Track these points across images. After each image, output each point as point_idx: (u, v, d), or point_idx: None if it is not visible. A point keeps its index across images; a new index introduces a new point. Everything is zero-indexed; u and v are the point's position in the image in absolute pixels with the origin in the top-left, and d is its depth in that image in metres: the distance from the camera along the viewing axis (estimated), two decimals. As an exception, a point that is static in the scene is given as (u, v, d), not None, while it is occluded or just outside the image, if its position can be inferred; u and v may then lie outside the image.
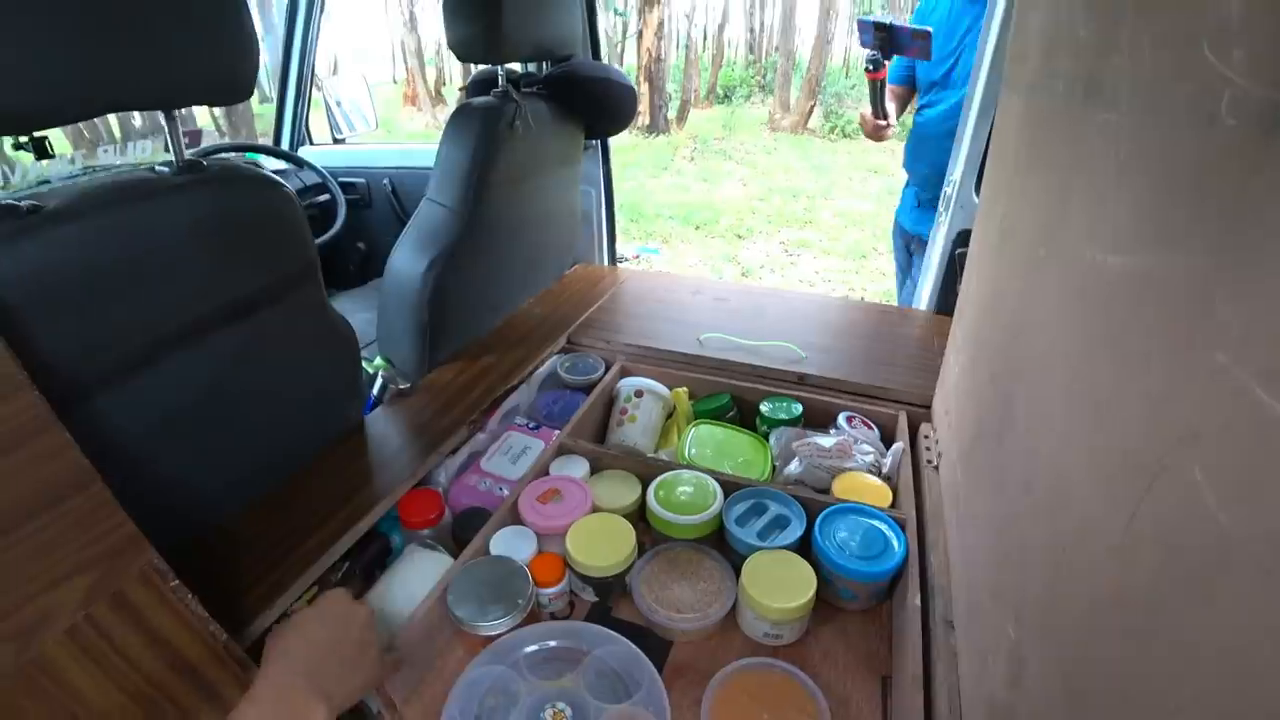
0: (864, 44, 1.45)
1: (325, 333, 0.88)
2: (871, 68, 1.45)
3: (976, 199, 1.45)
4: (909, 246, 1.85)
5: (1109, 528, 0.40)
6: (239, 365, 0.76)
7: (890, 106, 1.59)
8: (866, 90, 1.57)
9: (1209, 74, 0.35)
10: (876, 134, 1.61)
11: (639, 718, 0.63)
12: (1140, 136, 0.44)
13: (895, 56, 1.46)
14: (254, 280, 0.74)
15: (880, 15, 1.70)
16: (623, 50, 10.04)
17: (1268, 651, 0.25)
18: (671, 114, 8.68)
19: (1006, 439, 0.64)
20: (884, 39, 1.38)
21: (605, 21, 9.84)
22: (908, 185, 1.86)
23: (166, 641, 0.58)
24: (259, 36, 0.70)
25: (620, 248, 4.82)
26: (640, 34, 8.47)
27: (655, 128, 8.48)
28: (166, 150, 0.70)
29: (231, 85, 0.68)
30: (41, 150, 0.61)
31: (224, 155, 1.87)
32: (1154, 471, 0.36)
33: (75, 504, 0.51)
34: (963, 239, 1.49)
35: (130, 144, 2.25)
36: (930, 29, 1.35)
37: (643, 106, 8.52)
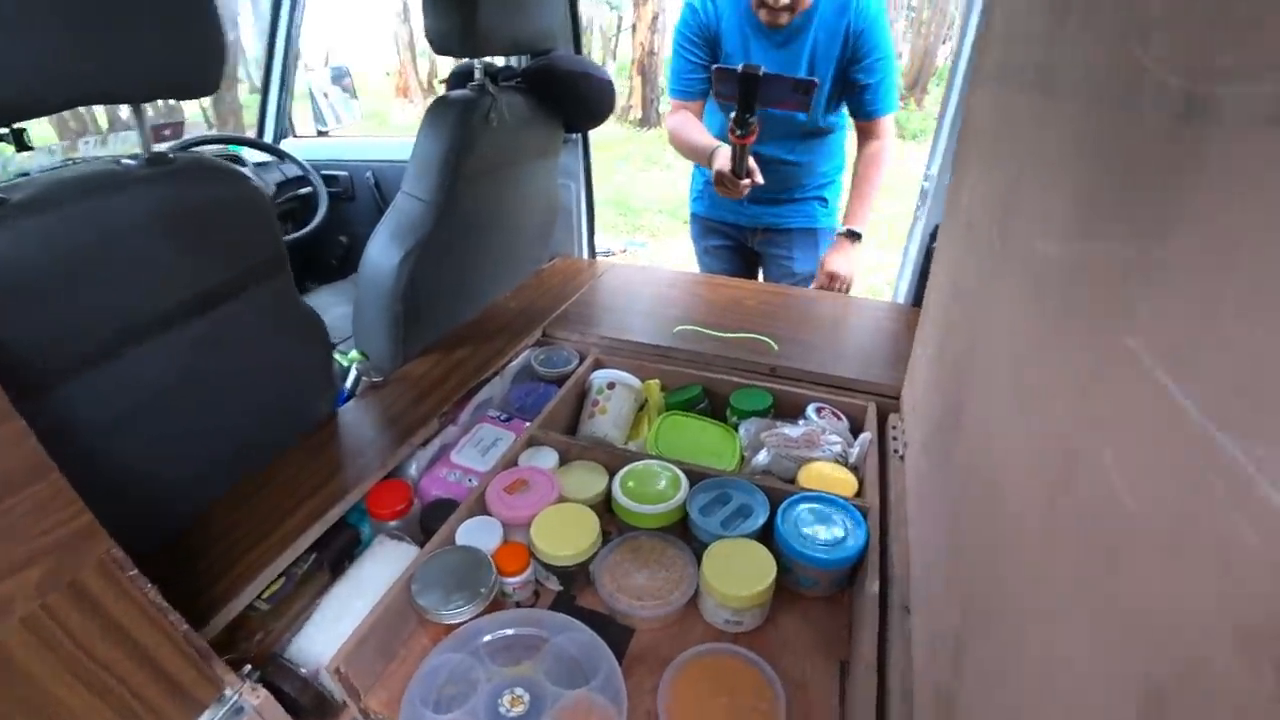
0: (720, 95, 1.16)
1: (294, 325, 0.88)
2: (740, 132, 1.15)
3: (954, 194, 1.46)
4: (748, 241, 1.74)
5: (1036, 514, 0.41)
6: (206, 357, 0.76)
7: (752, 162, 1.30)
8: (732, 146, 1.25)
9: (1135, 66, 0.36)
10: (736, 193, 1.34)
11: (595, 703, 0.63)
12: (1082, 126, 0.45)
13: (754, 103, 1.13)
14: (220, 272, 0.75)
15: (747, 63, 1.07)
16: (617, 44, 10.01)
17: (1167, 622, 0.25)
18: (663, 108, 8.67)
19: (959, 429, 0.65)
20: (749, 91, 1.09)
21: (599, 15, 9.80)
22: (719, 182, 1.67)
23: (125, 631, 0.58)
24: (226, 28, 0.71)
25: (609, 242, 4.81)
26: (634, 27, 8.45)
27: (647, 121, 8.46)
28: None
29: (198, 80, 0.68)
30: (20, 142, 0.61)
31: (206, 150, 1.87)
32: (1074, 456, 0.37)
33: (31, 493, 0.51)
34: (938, 233, 1.50)
35: (114, 135, 2.25)
36: (817, 80, 1.13)
37: (635, 100, 8.50)
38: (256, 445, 0.89)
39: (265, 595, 0.79)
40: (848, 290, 1.66)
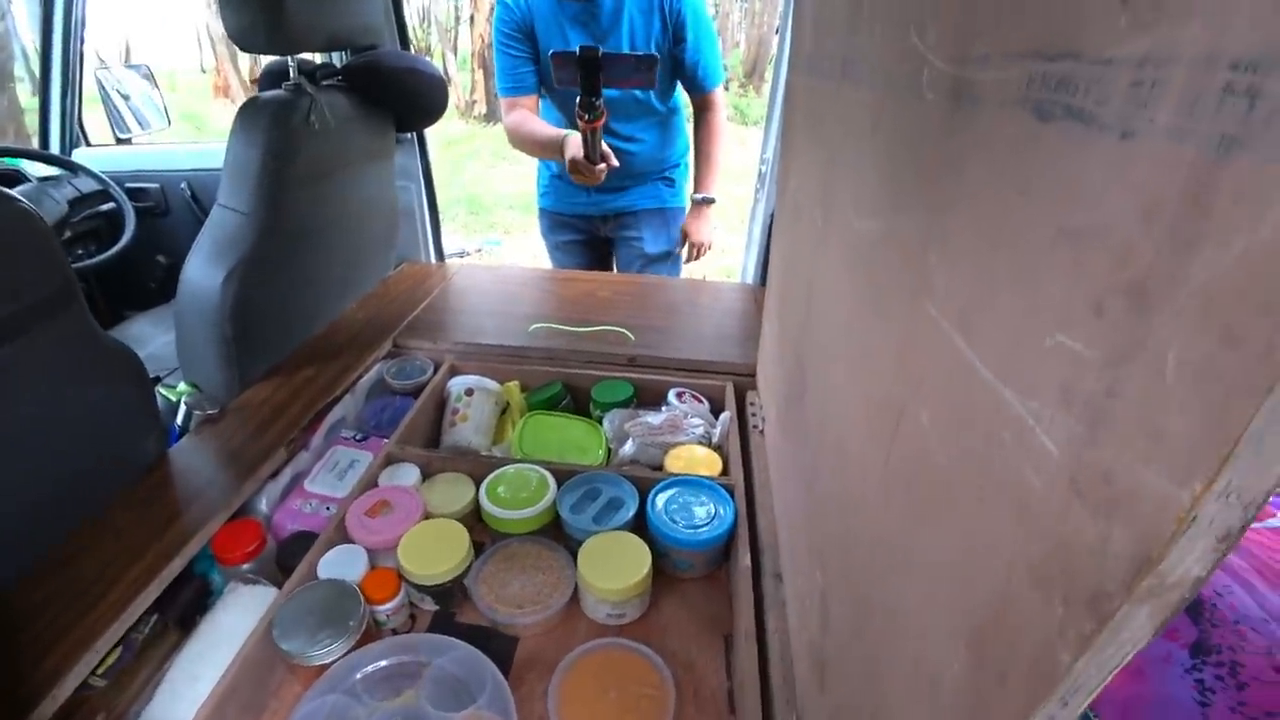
0: (561, 82, 1.13)
1: (98, 363, 0.78)
2: (588, 117, 1.14)
3: (789, 176, 1.54)
4: (599, 231, 1.76)
5: (874, 474, 0.44)
6: None
7: (605, 145, 1.29)
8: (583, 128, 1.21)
9: (916, 54, 0.39)
10: (594, 179, 1.34)
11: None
12: (879, 111, 0.48)
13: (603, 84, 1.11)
14: None
15: (584, 45, 1.08)
16: (456, 36, 9.68)
17: (978, 564, 0.28)
18: (508, 101, 8.49)
19: (805, 399, 0.69)
20: (591, 73, 1.08)
21: (436, 7, 9.43)
22: (572, 181, 1.60)
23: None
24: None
25: (462, 242, 4.67)
26: (472, 18, 8.21)
27: (494, 116, 8.27)
28: None
29: None
30: None
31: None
32: (898, 418, 0.39)
33: None
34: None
35: None
36: (656, 55, 1.12)
37: (478, 94, 8.28)
38: (71, 504, 0.79)
39: (101, 670, 0.70)
40: (705, 252, 1.77)
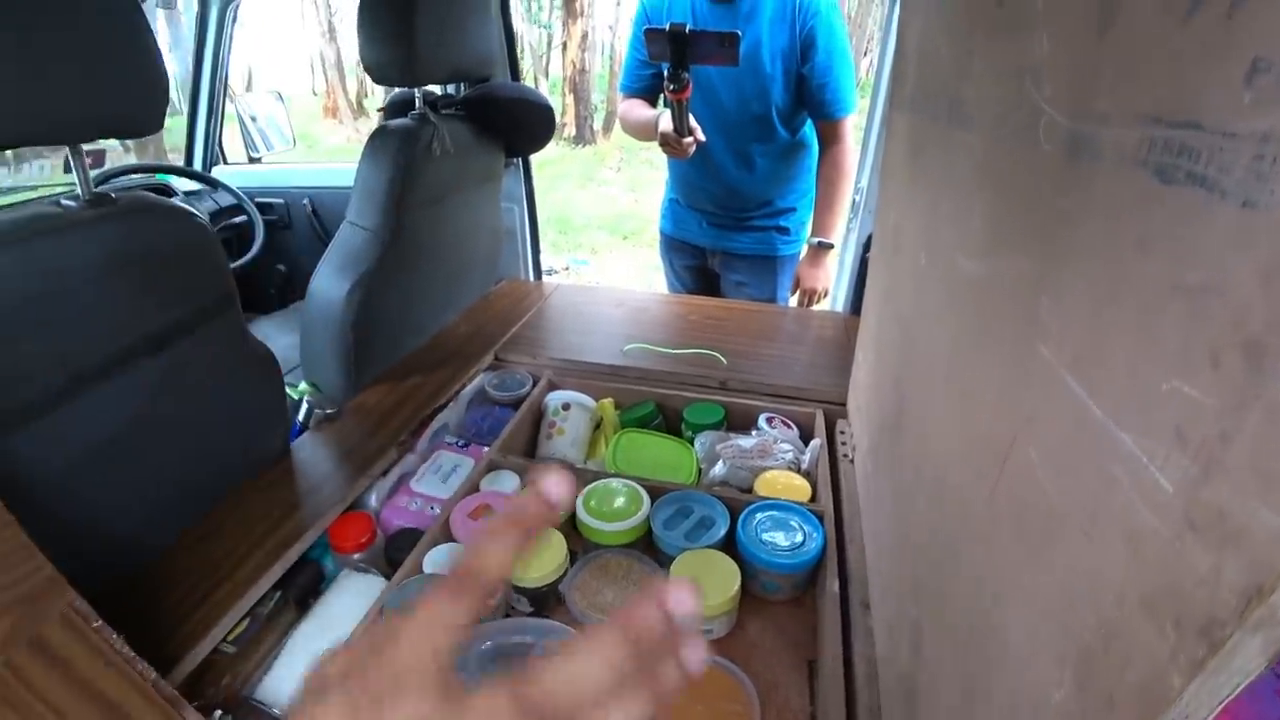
0: (652, 56, 1.24)
1: (246, 361, 0.87)
2: (674, 87, 1.23)
3: (883, 206, 1.53)
4: (708, 262, 1.78)
5: (977, 507, 0.45)
6: (157, 398, 0.75)
7: (693, 121, 1.38)
8: (669, 107, 1.36)
9: (1031, 104, 0.40)
10: (682, 153, 1.43)
11: None
12: (988, 155, 0.50)
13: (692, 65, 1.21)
14: (170, 313, 0.74)
15: (674, 21, 1.18)
16: (548, 62, 10.05)
17: (1087, 593, 0.29)
18: (598, 125, 8.73)
19: (902, 431, 0.70)
20: (680, 48, 1.17)
21: (530, 34, 9.83)
22: (686, 207, 1.73)
23: (92, 684, 0.57)
24: (164, 58, 0.71)
25: (551, 260, 4.80)
26: (564, 45, 8.51)
27: (582, 139, 8.51)
28: (67, 170, 0.70)
29: (139, 117, 0.68)
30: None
31: (132, 179, 1.81)
32: (1005, 453, 0.41)
33: (-11, 549, 0.50)
34: (871, 244, 1.57)
35: (25, 165, 2.15)
36: (739, 31, 1.17)
37: (568, 118, 8.55)
38: (212, 485, 0.88)
39: (231, 638, 0.78)
40: (819, 299, 1.69)
